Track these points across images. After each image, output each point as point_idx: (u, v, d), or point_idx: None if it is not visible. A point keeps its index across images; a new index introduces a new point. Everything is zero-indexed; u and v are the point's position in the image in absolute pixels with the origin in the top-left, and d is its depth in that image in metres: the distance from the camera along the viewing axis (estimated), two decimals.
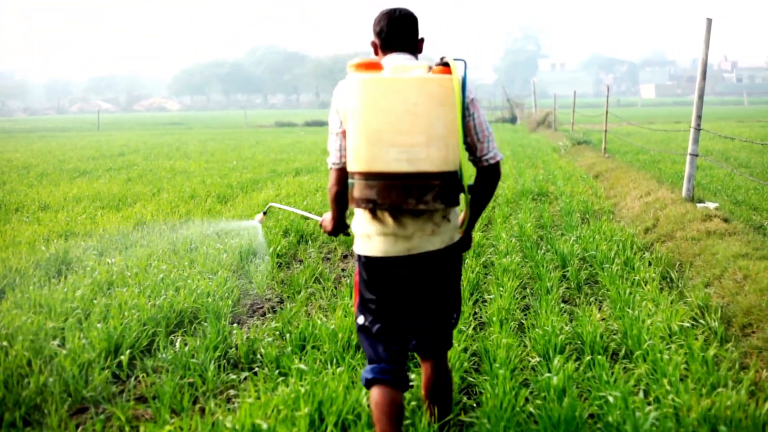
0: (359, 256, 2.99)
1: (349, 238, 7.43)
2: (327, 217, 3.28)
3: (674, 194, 8.66)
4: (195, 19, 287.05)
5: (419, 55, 3.06)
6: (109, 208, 9.60)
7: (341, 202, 3.12)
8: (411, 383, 3.23)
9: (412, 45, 3.02)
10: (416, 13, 3.09)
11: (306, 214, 4.03)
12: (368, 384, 2.97)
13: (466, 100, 2.91)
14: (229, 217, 8.66)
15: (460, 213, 3.09)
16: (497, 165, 3.00)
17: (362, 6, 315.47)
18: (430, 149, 2.73)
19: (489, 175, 3.00)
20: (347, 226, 3.29)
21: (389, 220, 2.86)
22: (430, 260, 2.91)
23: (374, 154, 2.74)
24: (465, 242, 3.15)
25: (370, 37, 3.07)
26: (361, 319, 3.05)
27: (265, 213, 4.28)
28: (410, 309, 3.00)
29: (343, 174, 3.03)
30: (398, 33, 2.99)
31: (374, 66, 2.81)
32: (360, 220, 2.95)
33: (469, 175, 2.93)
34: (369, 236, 2.92)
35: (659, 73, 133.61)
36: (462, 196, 2.95)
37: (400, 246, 2.87)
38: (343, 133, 2.96)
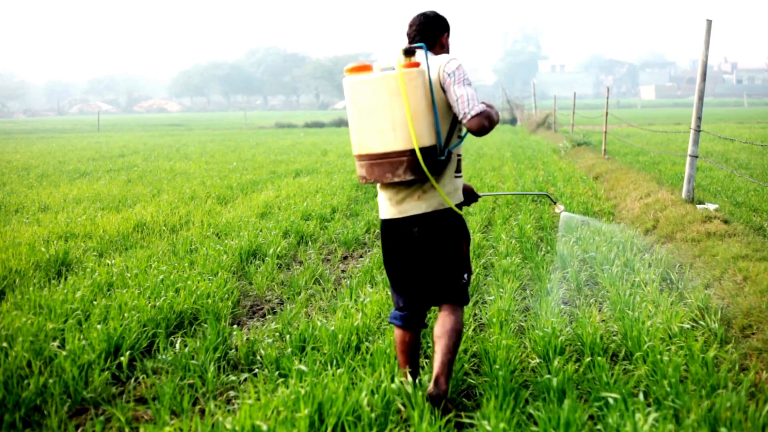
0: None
1: (349, 238, 7.55)
2: None
3: (674, 196, 8.66)
4: (195, 19, 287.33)
5: (443, 49, 3.60)
6: (109, 209, 9.60)
7: None
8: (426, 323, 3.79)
9: (429, 42, 3.57)
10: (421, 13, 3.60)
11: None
12: (391, 323, 3.70)
13: (442, 81, 3.40)
14: (229, 218, 8.66)
15: (456, 181, 3.55)
16: (474, 120, 3.33)
17: (362, 7, 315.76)
18: (396, 132, 3.29)
19: (473, 131, 3.38)
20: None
21: (388, 188, 3.50)
22: (419, 222, 3.47)
23: (360, 141, 3.39)
24: (469, 196, 3.82)
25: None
26: (386, 272, 3.69)
27: (554, 201, 4.51)
28: (412, 266, 3.54)
29: None
30: (414, 33, 3.58)
31: (362, 69, 3.34)
32: (378, 190, 3.62)
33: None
34: (380, 202, 3.60)
35: (659, 74, 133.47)
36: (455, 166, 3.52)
37: (395, 209, 3.51)
38: None
